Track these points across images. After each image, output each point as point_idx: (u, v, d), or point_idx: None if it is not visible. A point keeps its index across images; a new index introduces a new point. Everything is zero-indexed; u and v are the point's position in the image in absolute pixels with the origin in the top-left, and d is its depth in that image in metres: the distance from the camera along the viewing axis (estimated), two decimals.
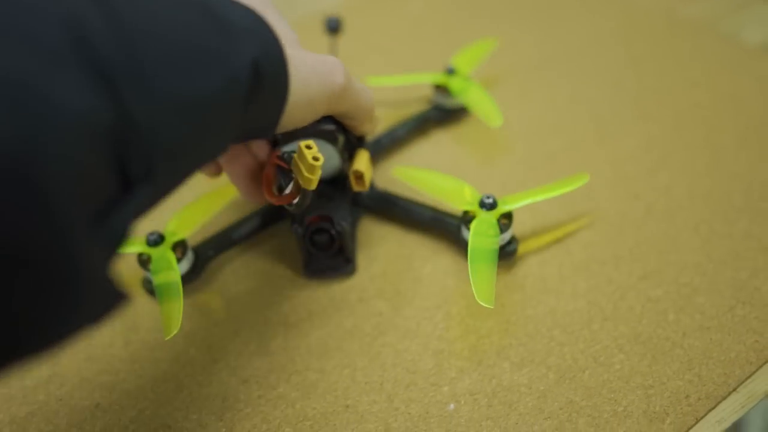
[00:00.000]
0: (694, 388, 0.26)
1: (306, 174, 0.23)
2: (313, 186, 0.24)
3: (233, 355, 0.28)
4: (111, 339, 0.29)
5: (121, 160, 0.15)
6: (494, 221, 0.29)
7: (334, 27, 0.39)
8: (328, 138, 0.28)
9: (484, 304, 0.26)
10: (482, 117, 0.36)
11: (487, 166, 0.37)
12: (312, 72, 0.23)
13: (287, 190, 0.25)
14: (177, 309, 0.25)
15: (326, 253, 0.30)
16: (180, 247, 0.29)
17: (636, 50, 0.48)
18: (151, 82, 0.16)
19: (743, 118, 0.39)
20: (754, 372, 0.26)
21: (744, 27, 0.47)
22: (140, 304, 0.30)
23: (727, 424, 0.25)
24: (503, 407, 0.25)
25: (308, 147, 0.23)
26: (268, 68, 0.20)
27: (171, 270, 0.27)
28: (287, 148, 0.27)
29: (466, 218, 0.29)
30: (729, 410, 0.25)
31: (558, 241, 0.32)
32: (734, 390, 0.26)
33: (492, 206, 0.29)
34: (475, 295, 0.26)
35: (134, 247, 0.28)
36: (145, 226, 0.26)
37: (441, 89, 0.39)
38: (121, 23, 0.15)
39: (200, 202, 0.31)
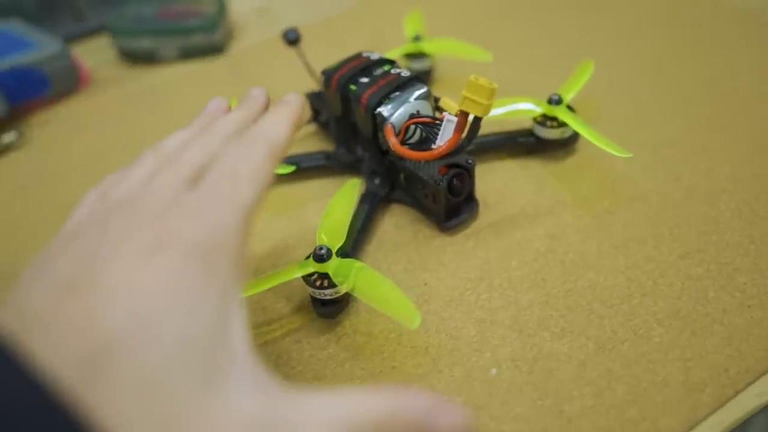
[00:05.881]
0: (734, 362, 0.26)
1: (487, 102, 0.25)
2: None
3: (286, 318, 0.30)
4: None
5: None
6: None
7: (292, 39, 0.36)
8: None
9: None
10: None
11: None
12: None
13: (440, 140, 0.28)
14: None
15: (459, 199, 0.32)
16: None
17: (678, 37, 0.48)
18: None
19: None
20: None
21: None
22: None
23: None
24: (543, 373, 0.26)
25: (476, 78, 0.24)
26: None
27: None
28: (395, 112, 0.30)
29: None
30: None
31: (597, 219, 0.33)
32: None
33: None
34: None
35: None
36: None
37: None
38: None
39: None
